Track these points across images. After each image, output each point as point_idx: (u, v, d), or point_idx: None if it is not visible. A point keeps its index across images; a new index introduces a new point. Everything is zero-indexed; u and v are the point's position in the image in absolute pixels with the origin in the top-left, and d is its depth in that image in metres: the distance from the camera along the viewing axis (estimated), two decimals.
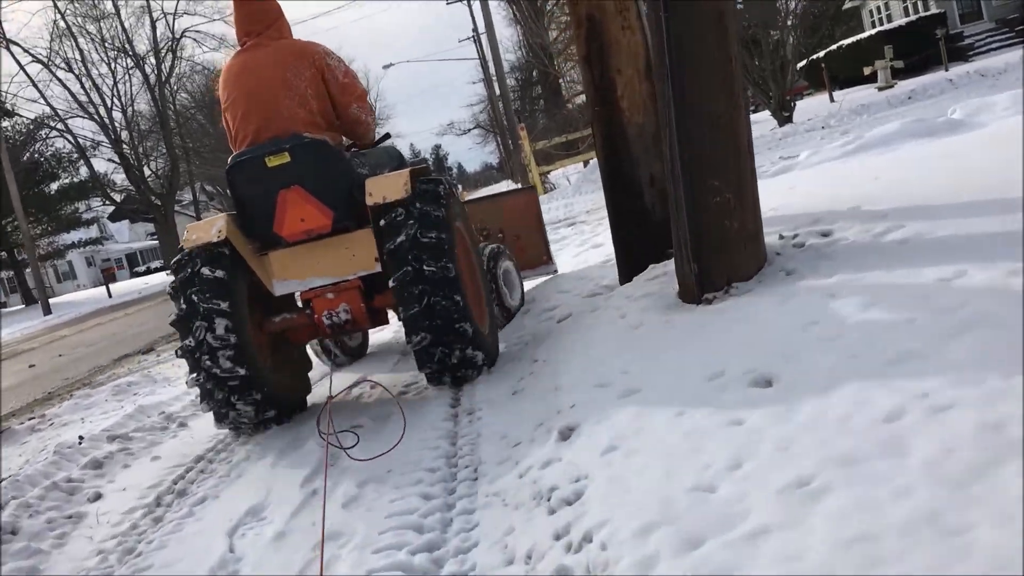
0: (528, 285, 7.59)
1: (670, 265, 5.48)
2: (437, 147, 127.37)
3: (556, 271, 7.96)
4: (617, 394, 3.65)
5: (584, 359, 4.49)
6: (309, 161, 4.97)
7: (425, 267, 4.82)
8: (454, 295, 4.86)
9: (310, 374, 5.89)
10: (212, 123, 50.56)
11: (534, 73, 48.78)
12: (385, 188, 4.98)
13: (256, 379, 4.99)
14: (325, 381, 6.10)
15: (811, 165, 10.47)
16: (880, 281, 3.74)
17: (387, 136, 6.26)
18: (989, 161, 5.86)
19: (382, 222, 4.95)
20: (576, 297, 6.62)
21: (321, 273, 5.22)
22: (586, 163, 25.65)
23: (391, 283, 4.90)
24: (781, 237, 4.90)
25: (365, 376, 5.88)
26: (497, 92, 38.12)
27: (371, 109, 5.63)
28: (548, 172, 26.03)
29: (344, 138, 5.62)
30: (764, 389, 3.05)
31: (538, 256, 7.68)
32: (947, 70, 24.45)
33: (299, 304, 5.54)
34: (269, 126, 5.12)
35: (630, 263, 6.13)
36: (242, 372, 4.93)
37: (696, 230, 4.61)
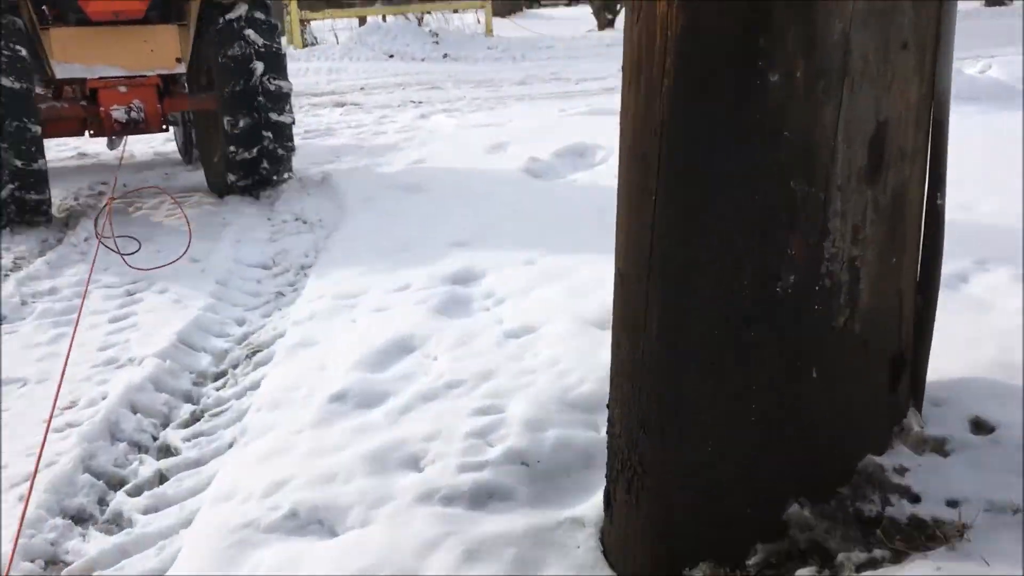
0: None
1: None
2: None
3: None
4: None
5: None
6: None
7: (266, 81, 4.89)
8: (288, 112, 5.04)
9: None
10: None
11: None
12: None
13: (46, 175, 4.70)
14: None
15: None
16: None
17: None
18: None
19: (220, 22, 4.86)
20: None
21: (114, 62, 4.90)
22: (362, 20, 19.97)
23: (225, 92, 4.89)
24: None
25: (152, 184, 5.75)
26: None
27: None
28: (310, 21, 20.04)
29: None
30: None
31: None
32: None
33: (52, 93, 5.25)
34: None
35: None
36: (41, 166, 4.60)
37: None
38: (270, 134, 5.00)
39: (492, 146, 6.00)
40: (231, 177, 5.13)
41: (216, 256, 4.08)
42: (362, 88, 12.72)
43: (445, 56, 16.86)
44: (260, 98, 4.90)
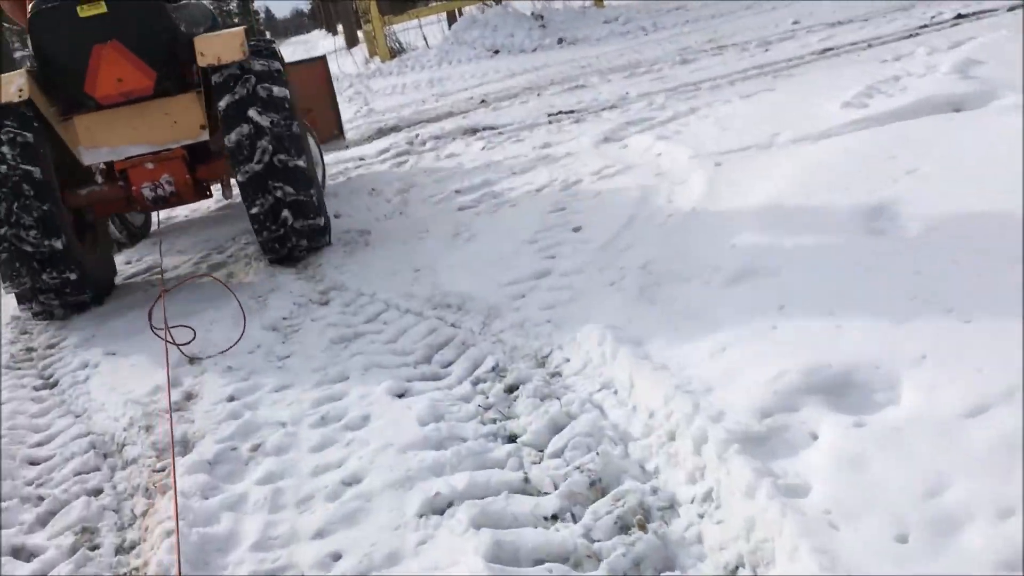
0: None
1: None
2: None
3: (347, 146, 8.05)
4: None
5: None
6: (129, 13, 4.67)
7: (266, 122, 4.69)
8: (300, 143, 4.79)
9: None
10: None
11: None
12: (219, 47, 4.71)
13: (70, 254, 4.67)
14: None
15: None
16: None
17: None
18: None
19: (215, 81, 4.75)
20: None
21: (138, 141, 4.94)
22: (453, 17, 17.39)
23: (227, 143, 4.75)
24: None
25: (204, 272, 5.37)
26: None
27: None
28: (392, 24, 17.56)
29: None
30: None
31: (329, 130, 7.43)
32: None
33: (100, 175, 5.36)
34: None
35: None
36: (57, 246, 4.60)
37: None
38: (284, 182, 4.74)
39: (860, 214, 3.27)
40: (259, 231, 4.94)
41: None
42: (483, 101, 10.10)
43: (561, 42, 14.12)
44: (266, 142, 4.71)
